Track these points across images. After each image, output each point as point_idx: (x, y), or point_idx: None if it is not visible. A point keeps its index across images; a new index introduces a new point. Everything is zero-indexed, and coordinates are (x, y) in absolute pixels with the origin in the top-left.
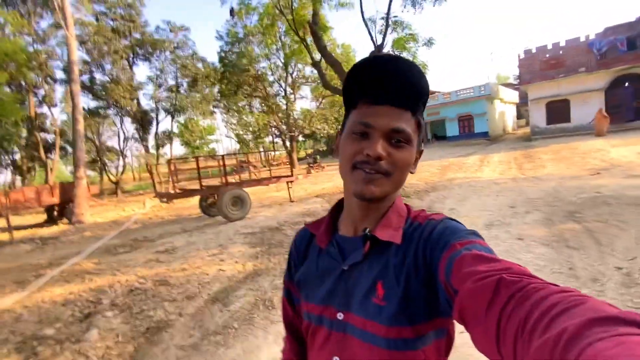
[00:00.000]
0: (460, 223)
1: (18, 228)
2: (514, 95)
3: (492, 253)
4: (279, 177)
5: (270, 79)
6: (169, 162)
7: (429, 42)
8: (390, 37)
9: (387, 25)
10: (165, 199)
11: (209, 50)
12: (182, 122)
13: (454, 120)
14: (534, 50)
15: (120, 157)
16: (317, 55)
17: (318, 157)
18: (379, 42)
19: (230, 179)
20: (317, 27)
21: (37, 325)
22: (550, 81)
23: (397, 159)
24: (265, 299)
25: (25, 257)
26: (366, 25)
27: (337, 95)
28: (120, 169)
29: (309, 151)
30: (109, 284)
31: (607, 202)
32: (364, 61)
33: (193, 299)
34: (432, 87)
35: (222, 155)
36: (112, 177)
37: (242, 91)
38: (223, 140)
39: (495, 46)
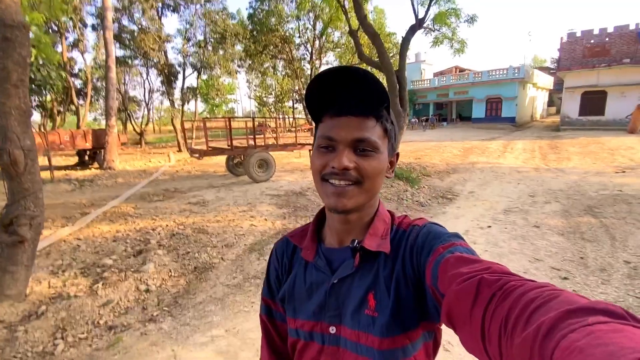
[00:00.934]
0: (442, 227)
1: (53, 168)
2: (548, 81)
3: (474, 254)
4: (303, 144)
5: (297, 41)
6: (204, 120)
7: (472, 20)
8: (432, 11)
9: None
10: (197, 155)
11: (239, 4)
12: (204, 78)
13: (482, 101)
14: (578, 34)
15: (145, 109)
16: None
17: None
18: (421, 15)
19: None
20: None
21: (95, 256)
22: (590, 70)
23: (365, 168)
24: None
25: (67, 196)
26: None
27: (367, 66)
28: (145, 120)
29: None
30: (151, 227)
31: (628, 200)
32: (319, 76)
33: (232, 247)
34: (463, 65)
35: (253, 118)
36: (136, 128)
37: (268, 52)
38: (242, 100)
39: (534, 26)
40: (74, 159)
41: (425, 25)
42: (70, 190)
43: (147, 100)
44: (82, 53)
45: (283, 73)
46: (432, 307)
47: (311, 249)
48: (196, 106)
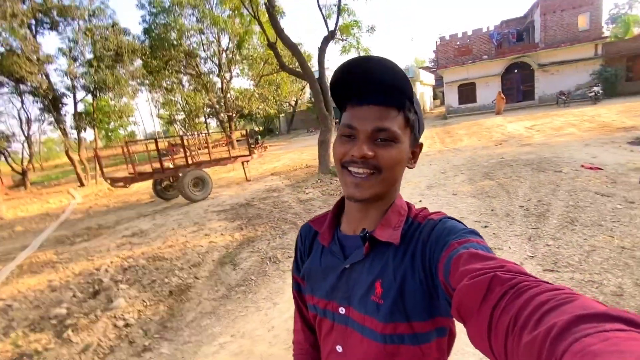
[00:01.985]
0: (459, 222)
1: None
2: (430, 78)
3: (490, 251)
4: (236, 157)
5: (203, 55)
6: (126, 143)
7: (371, 29)
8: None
9: (339, 12)
10: (121, 183)
11: (129, 20)
12: (90, 102)
13: None
14: (447, 38)
15: (25, 143)
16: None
17: (259, 137)
18: (331, 27)
19: (171, 162)
20: (274, 10)
21: (37, 310)
22: (460, 66)
23: (384, 158)
24: (269, 256)
25: None
26: (321, 11)
27: (275, 75)
28: (27, 156)
29: (243, 132)
30: (94, 268)
31: (509, 164)
32: (343, 65)
33: (200, 266)
34: None
35: (181, 136)
36: (15, 167)
37: (171, 67)
38: (142, 121)
39: (414, 30)
40: None
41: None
42: None
43: (26, 134)
44: None
45: (191, 88)
46: (444, 301)
47: (327, 235)
48: (95, 133)
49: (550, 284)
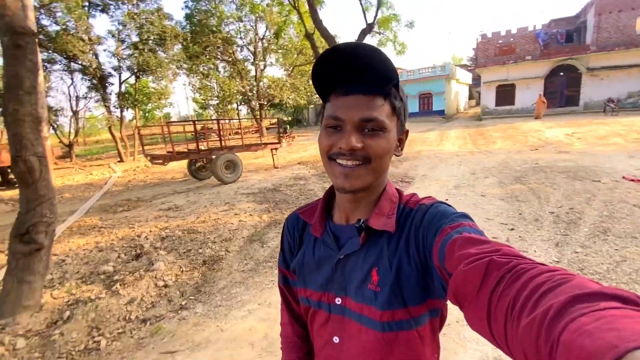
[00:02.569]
0: (450, 206)
1: None
2: (467, 77)
3: (482, 234)
4: (266, 144)
5: (239, 42)
6: (167, 123)
7: (410, 24)
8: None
9: (378, 5)
10: (160, 161)
11: (171, 5)
12: (132, 83)
13: (415, 97)
14: (489, 36)
15: (73, 119)
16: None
17: (288, 126)
18: (370, 20)
19: (203, 145)
20: (314, 0)
21: (87, 266)
22: (501, 66)
23: (373, 148)
24: None
25: (11, 217)
26: (360, 3)
27: (307, 66)
28: (73, 130)
29: (273, 121)
30: (135, 234)
31: (543, 170)
32: (325, 54)
33: (231, 241)
34: (397, 64)
35: (217, 120)
36: (63, 140)
37: (209, 53)
38: (178, 104)
39: (453, 26)
40: None
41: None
42: (9, 211)
43: (74, 109)
44: None
45: (226, 75)
46: (439, 285)
47: (319, 226)
48: (136, 112)
49: (545, 265)
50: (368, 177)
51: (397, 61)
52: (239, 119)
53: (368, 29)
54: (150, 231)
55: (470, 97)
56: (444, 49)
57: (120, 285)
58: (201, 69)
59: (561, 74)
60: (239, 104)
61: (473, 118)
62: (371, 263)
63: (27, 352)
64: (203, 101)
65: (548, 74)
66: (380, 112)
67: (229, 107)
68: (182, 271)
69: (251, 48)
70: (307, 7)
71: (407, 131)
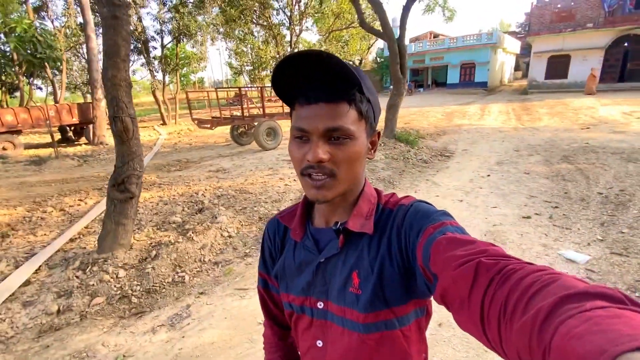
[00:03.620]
0: (430, 204)
1: (38, 146)
2: (516, 45)
3: (465, 232)
4: None
5: (276, 5)
6: (216, 89)
7: None
8: None
9: None
10: (207, 125)
11: None
12: (170, 47)
13: (457, 67)
14: (547, 0)
15: None
16: None
17: None
18: None
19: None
20: None
21: (157, 216)
22: (556, 34)
23: (340, 157)
24: None
25: (79, 171)
26: None
27: (345, 30)
28: None
29: None
30: (193, 192)
31: (595, 150)
32: (282, 63)
33: (280, 202)
34: (438, 30)
35: (261, 87)
36: None
37: (244, 17)
38: (212, 69)
39: None
40: (48, 137)
41: None
42: (77, 165)
43: None
44: (51, 20)
45: (262, 40)
46: (423, 285)
47: (299, 230)
48: (178, 76)
49: (532, 264)
50: (339, 187)
51: (439, 27)
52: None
53: None
54: (206, 189)
55: (517, 69)
56: (492, 14)
57: (192, 233)
58: (237, 33)
59: (625, 44)
60: (270, 70)
61: (518, 91)
62: (351, 266)
63: (127, 280)
64: (239, 66)
65: (610, 44)
66: (345, 120)
67: (263, 73)
68: (242, 225)
69: (287, 12)
70: None
71: (379, 133)
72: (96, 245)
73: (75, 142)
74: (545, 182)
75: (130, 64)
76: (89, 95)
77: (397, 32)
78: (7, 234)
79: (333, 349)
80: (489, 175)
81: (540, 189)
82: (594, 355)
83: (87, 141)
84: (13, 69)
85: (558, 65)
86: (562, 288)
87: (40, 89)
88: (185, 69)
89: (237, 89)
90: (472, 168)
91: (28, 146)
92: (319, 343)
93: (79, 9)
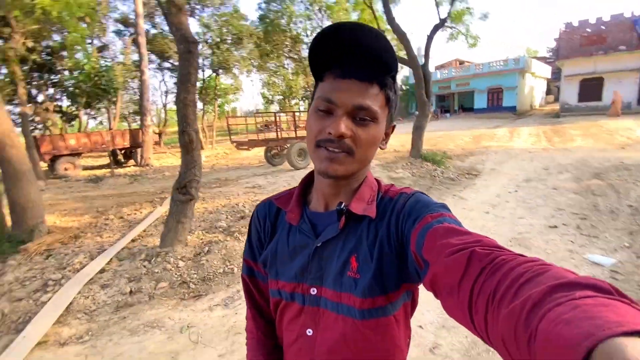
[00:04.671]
0: (429, 197)
1: (92, 167)
2: (545, 70)
3: (461, 226)
4: None
5: (306, 40)
6: (255, 114)
7: (484, 16)
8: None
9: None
10: (245, 147)
11: (245, 6)
12: (205, 79)
13: (484, 92)
14: (575, 24)
15: (163, 110)
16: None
17: None
18: (443, 15)
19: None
20: None
21: (205, 222)
22: (587, 58)
23: (361, 137)
24: None
25: (131, 187)
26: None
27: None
28: (163, 121)
29: None
30: (234, 203)
31: (628, 168)
32: (327, 31)
33: None
34: (464, 57)
35: (293, 112)
36: (154, 129)
37: (276, 51)
38: (243, 99)
39: (526, 17)
40: (101, 160)
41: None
42: (129, 183)
43: (163, 102)
44: (112, 58)
45: (292, 72)
46: (413, 270)
47: (296, 213)
48: (215, 105)
49: (524, 256)
50: (352, 165)
51: (465, 54)
52: (306, 111)
53: (440, 24)
54: (245, 201)
55: (548, 93)
56: (518, 40)
57: (238, 234)
58: (269, 66)
59: None
60: (300, 99)
61: (550, 115)
62: (350, 250)
63: (185, 269)
64: (271, 96)
65: None
66: (374, 102)
67: (293, 102)
68: None
69: None
70: (380, 6)
71: (394, 126)
72: (154, 243)
73: (124, 164)
74: (574, 197)
75: (173, 95)
76: (133, 124)
77: (421, 60)
78: (79, 236)
79: (324, 337)
80: (516, 191)
81: (569, 203)
82: (580, 338)
83: (135, 163)
84: (79, 101)
85: (591, 88)
86: (552, 278)
87: (95, 118)
88: (219, 100)
89: (272, 114)
90: (500, 185)
91: (84, 167)
92: (309, 332)
93: (133, 47)
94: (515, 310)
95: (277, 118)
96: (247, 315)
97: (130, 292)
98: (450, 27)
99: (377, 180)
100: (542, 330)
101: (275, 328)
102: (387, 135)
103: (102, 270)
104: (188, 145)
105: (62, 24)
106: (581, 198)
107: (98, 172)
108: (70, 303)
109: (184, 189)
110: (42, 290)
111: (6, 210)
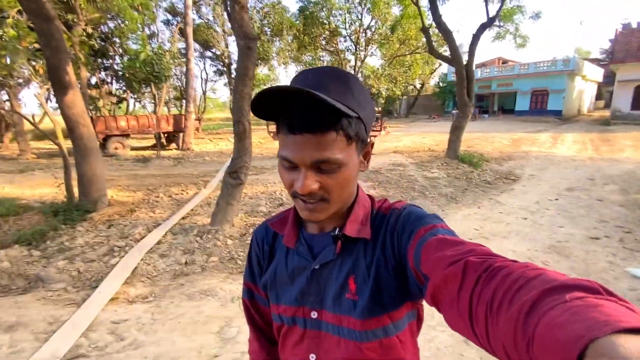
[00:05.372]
0: (421, 208)
1: (137, 149)
2: (598, 73)
3: (454, 235)
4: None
5: (343, 32)
6: None
7: (536, 16)
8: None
9: None
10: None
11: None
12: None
13: (527, 94)
14: (634, 26)
15: (203, 97)
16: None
17: (378, 117)
18: (492, 14)
19: None
20: None
21: (246, 206)
22: None
23: (331, 185)
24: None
25: (175, 169)
26: None
27: (409, 56)
28: (202, 108)
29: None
30: (271, 191)
31: None
32: (265, 91)
33: None
34: (507, 57)
35: None
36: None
37: (314, 43)
38: None
39: (579, 14)
40: (144, 142)
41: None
42: (173, 165)
43: (204, 90)
44: (159, 46)
45: (328, 64)
46: (415, 287)
47: (292, 236)
48: (253, 95)
49: (517, 262)
50: (331, 209)
51: (509, 53)
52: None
53: (489, 22)
54: (282, 190)
55: (599, 98)
56: (570, 40)
57: None
58: (306, 58)
59: None
60: None
61: (598, 122)
62: (347, 272)
63: (233, 247)
64: None
65: None
66: (333, 150)
67: None
68: None
69: (353, 38)
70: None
71: (373, 143)
72: (203, 222)
73: (167, 148)
74: (620, 210)
75: (213, 83)
76: (172, 109)
77: (464, 58)
78: (134, 210)
79: None
80: (557, 199)
81: (613, 215)
82: (573, 340)
83: (176, 147)
84: (134, 86)
85: None
86: (544, 282)
87: (139, 102)
88: (255, 90)
89: None
90: (540, 192)
91: (132, 148)
92: (312, 357)
93: (178, 36)
94: (512, 317)
95: None
96: (250, 337)
97: (185, 263)
98: (499, 26)
99: (369, 196)
100: (539, 335)
101: (279, 351)
102: (366, 155)
103: (159, 242)
104: (242, 134)
105: (119, 12)
106: (627, 211)
107: (144, 153)
108: (135, 268)
109: (235, 173)
110: (109, 254)
111: (73, 182)
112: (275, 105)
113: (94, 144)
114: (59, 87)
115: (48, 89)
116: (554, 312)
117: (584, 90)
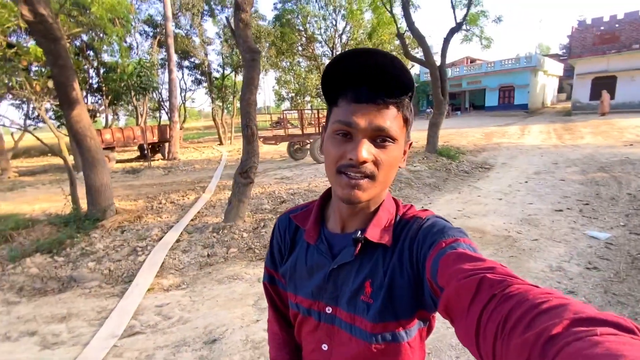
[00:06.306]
0: (446, 220)
1: (121, 161)
2: (558, 68)
3: (476, 251)
4: None
5: (319, 39)
6: (283, 112)
7: (498, 19)
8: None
9: (469, 4)
10: (272, 142)
11: (263, 6)
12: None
13: (495, 90)
14: (588, 22)
15: (183, 107)
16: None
17: None
18: (459, 19)
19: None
20: (408, 3)
21: (250, 206)
22: (600, 56)
23: (383, 160)
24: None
25: (167, 178)
26: (452, 4)
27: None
28: (182, 118)
29: None
30: (270, 191)
31: (632, 162)
32: (342, 56)
33: None
34: (475, 56)
35: (317, 109)
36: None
37: (291, 50)
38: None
39: (538, 12)
40: (127, 155)
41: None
42: (164, 174)
43: (184, 99)
44: (139, 58)
45: (305, 70)
46: (429, 299)
47: (314, 233)
48: (235, 102)
49: (539, 287)
50: (374, 190)
51: (476, 53)
52: (322, 109)
53: (457, 27)
54: (280, 190)
55: (560, 91)
56: (530, 37)
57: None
58: (283, 64)
59: None
60: (312, 96)
61: (561, 113)
62: (365, 274)
63: (249, 239)
64: (285, 94)
65: None
66: (393, 123)
67: (306, 99)
68: None
69: (329, 44)
70: (400, 9)
71: (411, 143)
72: (215, 221)
73: (152, 158)
74: (579, 187)
75: (191, 93)
76: (149, 120)
77: (437, 60)
78: (141, 216)
79: (338, 353)
80: (526, 182)
81: (574, 192)
82: None
83: (162, 157)
84: (124, 98)
85: (603, 87)
86: (571, 312)
87: (116, 115)
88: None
89: (298, 111)
90: (511, 177)
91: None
92: (325, 347)
93: (159, 47)
94: (529, 341)
95: (302, 115)
96: (270, 318)
97: (208, 255)
98: (466, 30)
99: (395, 200)
100: None
101: (294, 333)
102: (404, 153)
103: (177, 240)
104: (250, 137)
105: (98, 27)
106: (586, 188)
107: (132, 165)
108: (162, 262)
109: (246, 173)
110: (133, 254)
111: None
112: (345, 74)
113: (100, 155)
114: (67, 103)
115: (52, 105)
116: (580, 343)
117: (546, 85)
